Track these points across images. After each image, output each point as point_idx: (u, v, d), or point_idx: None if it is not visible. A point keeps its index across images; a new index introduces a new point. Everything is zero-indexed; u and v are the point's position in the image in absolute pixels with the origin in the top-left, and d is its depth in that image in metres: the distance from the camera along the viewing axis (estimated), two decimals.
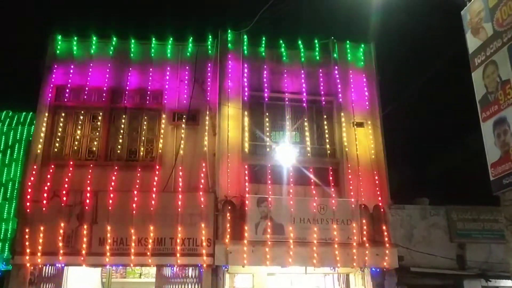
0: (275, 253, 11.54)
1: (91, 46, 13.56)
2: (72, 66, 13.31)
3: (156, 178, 12.29)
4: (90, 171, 12.23)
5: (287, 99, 13.60)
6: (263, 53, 13.91)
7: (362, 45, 14.36)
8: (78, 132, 12.91)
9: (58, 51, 13.41)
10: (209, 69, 13.65)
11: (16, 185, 15.34)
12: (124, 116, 13.05)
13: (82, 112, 13.01)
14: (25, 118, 16.78)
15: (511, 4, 7.45)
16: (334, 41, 14.22)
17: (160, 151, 12.74)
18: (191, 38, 13.93)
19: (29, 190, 11.69)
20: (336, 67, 13.92)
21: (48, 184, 11.86)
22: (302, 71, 13.88)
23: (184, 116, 13.01)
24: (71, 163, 12.29)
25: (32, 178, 11.99)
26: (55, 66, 13.24)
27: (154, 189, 12.05)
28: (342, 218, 12.05)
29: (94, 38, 13.62)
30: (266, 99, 13.44)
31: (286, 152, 12.96)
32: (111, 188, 11.90)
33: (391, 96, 15.01)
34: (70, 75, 13.22)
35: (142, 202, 11.65)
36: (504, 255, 11.24)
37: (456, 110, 17.68)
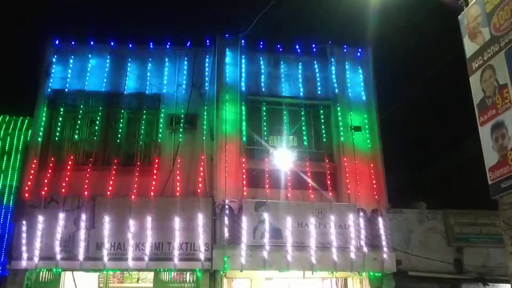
0: (273, 257, 11.52)
1: (89, 50, 13.55)
2: (69, 70, 13.32)
3: (153, 183, 12.26)
4: (87, 175, 12.20)
5: (284, 103, 13.63)
6: (261, 58, 13.93)
7: (359, 49, 14.40)
8: (76, 136, 12.89)
9: (55, 55, 13.39)
10: (206, 73, 13.67)
11: (13, 189, 15.27)
12: (121, 120, 13.05)
13: (80, 116, 13.01)
14: (22, 122, 16.72)
15: (508, 9, 7.49)
16: (332, 45, 14.26)
17: (158, 155, 12.72)
18: (189, 42, 13.99)
19: (27, 194, 11.67)
20: (334, 71, 13.97)
21: (46, 188, 11.81)
22: (300, 75, 13.92)
23: (182, 120, 13.01)
24: (69, 167, 12.27)
25: (29, 183, 11.96)
26: (53, 70, 13.24)
27: (152, 193, 12.02)
28: (340, 222, 12.04)
29: (92, 42, 13.62)
30: (264, 103, 13.45)
31: (283, 156, 12.97)
32: (108, 193, 11.87)
33: (388, 100, 15.05)
34: (68, 79, 13.23)
35: (139, 207, 11.60)
36: (502, 259, 11.26)
37: (453, 114, 17.71)
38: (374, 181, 12.91)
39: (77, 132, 12.94)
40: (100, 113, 13.07)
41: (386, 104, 14.60)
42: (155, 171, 12.47)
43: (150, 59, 13.67)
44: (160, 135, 12.96)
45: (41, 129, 12.64)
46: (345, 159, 13.08)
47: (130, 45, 13.71)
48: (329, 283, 13.12)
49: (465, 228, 13.12)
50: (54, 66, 13.30)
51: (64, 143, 12.92)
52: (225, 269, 11.44)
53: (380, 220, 12.35)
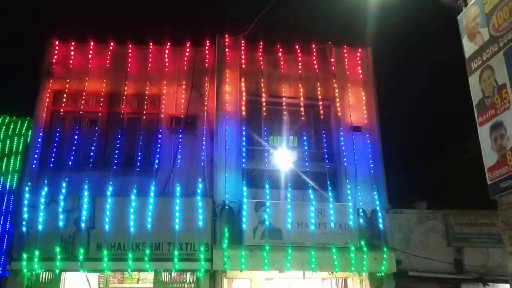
0: (273, 257, 11.52)
1: (89, 51, 13.55)
2: (70, 72, 13.31)
3: (153, 183, 12.27)
4: (87, 176, 12.21)
5: (284, 103, 13.61)
6: (261, 58, 13.91)
7: (359, 50, 14.38)
8: (76, 137, 12.88)
9: (55, 56, 13.39)
10: (207, 74, 13.66)
11: (14, 190, 15.30)
12: (121, 120, 13.05)
13: (80, 117, 13.01)
14: (22, 123, 16.77)
15: (506, 9, 7.48)
16: (331, 46, 14.25)
17: (158, 156, 12.73)
18: (189, 43, 13.94)
19: (27, 195, 11.68)
20: (334, 72, 13.95)
21: (46, 189, 11.81)
22: (300, 76, 13.90)
23: (182, 121, 13.02)
24: (69, 168, 12.28)
25: (29, 183, 11.97)
26: (53, 71, 13.24)
27: (152, 194, 12.01)
28: (340, 222, 12.05)
29: (92, 43, 13.62)
30: (264, 104, 13.44)
31: (283, 156, 12.99)
32: (108, 193, 11.86)
33: (388, 100, 15.03)
34: (68, 80, 13.23)
35: (139, 207, 11.62)
36: (501, 259, 11.25)
37: (453, 114, 17.72)
38: (374, 181, 12.90)
39: (77, 132, 12.93)
40: (100, 114, 13.08)
41: (386, 104, 14.59)
42: (155, 172, 12.48)
43: (150, 60, 13.66)
44: (160, 136, 12.96)
45: (41, 129, 12.66)
46: (345, 159, 13.08)
47: (130, 46, 13.69)
48: (329, 283, 13.11)
49: (465, 228, 13.11)
50: (54, 66, 13.31)
51: (64, 144, 12.92)
52: (225, 269, 11.44)
53: (380, 220, 12.36)
